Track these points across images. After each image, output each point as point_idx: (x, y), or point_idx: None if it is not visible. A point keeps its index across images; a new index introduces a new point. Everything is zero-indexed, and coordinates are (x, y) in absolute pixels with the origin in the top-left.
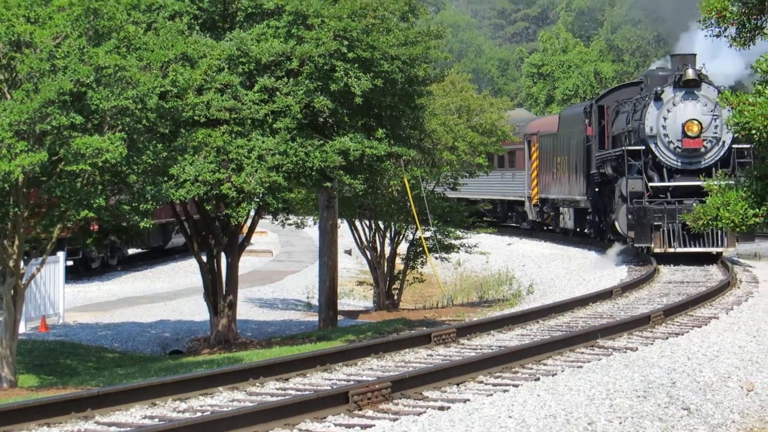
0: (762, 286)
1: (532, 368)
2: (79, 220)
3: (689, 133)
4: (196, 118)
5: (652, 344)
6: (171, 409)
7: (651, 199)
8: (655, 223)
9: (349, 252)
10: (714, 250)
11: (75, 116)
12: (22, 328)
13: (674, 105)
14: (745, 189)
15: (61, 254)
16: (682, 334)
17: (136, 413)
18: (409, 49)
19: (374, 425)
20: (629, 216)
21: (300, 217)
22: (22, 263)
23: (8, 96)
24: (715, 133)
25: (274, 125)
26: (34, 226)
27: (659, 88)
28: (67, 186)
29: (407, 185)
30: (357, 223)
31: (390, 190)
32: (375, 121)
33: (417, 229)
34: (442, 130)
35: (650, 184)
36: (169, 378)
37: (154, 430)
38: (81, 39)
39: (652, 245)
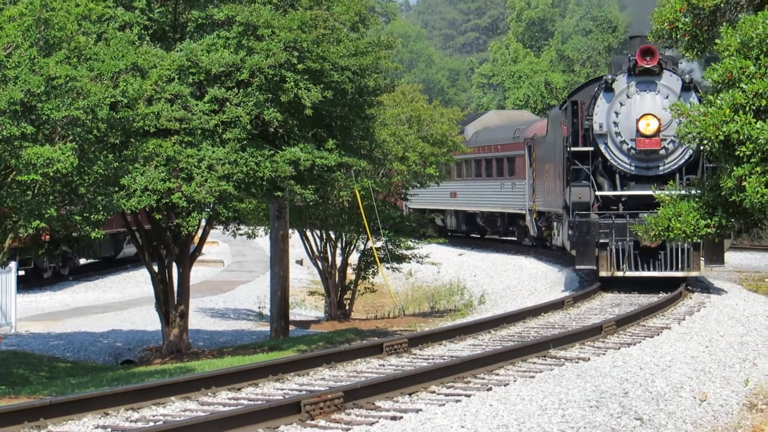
0: (714, 296)
1: (484, 378)
2: (31, 231)
3: (644, 131)
4: (146, 128)
5: (604, 354)
6: (124, 418)
7: (601, 211)
8: (600, 241)
9: (300, 262)
10: (673, 274)
11: (26, 126)
12: None
13: (628, 97)
14: (696, 200)
15: (12, 264)
16: (635, 344)
17: (88, 423)
18: (360, 60)
19: None
20: (570, 231)
21: (251, 228)
22: None
23: None
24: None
25: (224, 135)
26: None
27: (610, 77)
28: (18, 196)
29: (358, 196)
30: (308, 233)
31: (341, 200)
32: (325, 131)
33: (368, 239)
34: (392, 140)
35: (598, 192)
36: (121, 388)
37: None
38: (32, 49)
39: (597, 267)
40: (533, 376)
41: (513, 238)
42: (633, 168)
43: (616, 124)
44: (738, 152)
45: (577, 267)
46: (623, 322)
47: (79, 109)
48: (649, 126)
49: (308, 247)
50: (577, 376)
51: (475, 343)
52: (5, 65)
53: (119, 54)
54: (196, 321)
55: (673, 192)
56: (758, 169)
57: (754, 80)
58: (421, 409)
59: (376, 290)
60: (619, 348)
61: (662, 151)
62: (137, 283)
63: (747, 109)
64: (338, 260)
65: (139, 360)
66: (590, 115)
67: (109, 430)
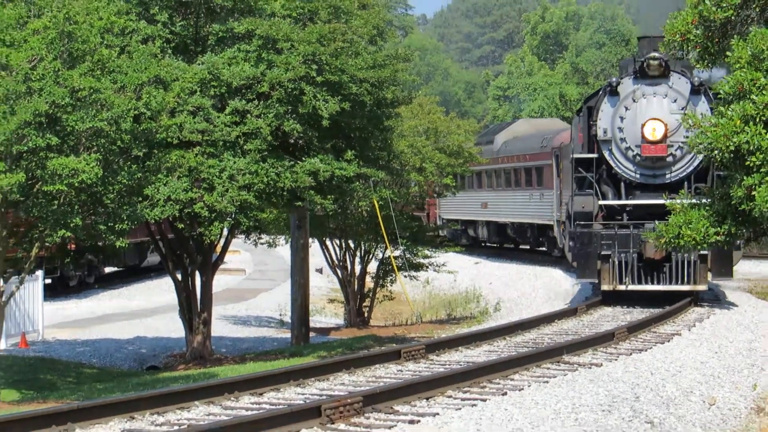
0: (723, 303)
1: (499, 383)
2: (57, 240)
3: (650, 137)
4: (169, 139)
5: (616, 360)
6: (149, 422)
7: (606, 221)
8: (603, 253)
9: (320, 270)
10: (679, 288)
11: (51, 137)
12: (2, 345)
13: (634, 101)
14: (707, 208)
15: (39, 273)
16: (646, 350)
17: (115, 426)
18: (378, 72)
19: None
20: (571, 243)
21: (272, 237)
22: (1, 281)
23: None
24: (687, 137)
25: (245, 146)
26: (13, 246)
27: (615, 80)
28: (44, 206)
29: (376, 206)
30: (328, 242)
31: (360, 210)
32: (344, 142)
33: (386, 248)
34: (410, 151)
35: (601, 202)
36: (146, 393)
37: None
38: (56, 62)
39: (599, 280)
40: (547, 381)
41: (544, 249)
42: (638, 176)
43: (621, 129)
44: (748, 162)
45: (578, 280)
46: (635, 328)
47: (103, 121)
48: (654, 131)
49: (328, 256)
50: (590, 381)
51: (490, 350)
52: (30, 77)
53: (142, 66)
54: (219, 328)
55: (684, 200)
56: (767, 179)
57: (764, 92)
58: (438, 413)
59: (394, 298)
60: (631, 354)
61: (669, 158)
62: (161, 291)
63: (757, 120)
64: (357, 269)
65: (164, 366)
66: (594, 120)
67: None
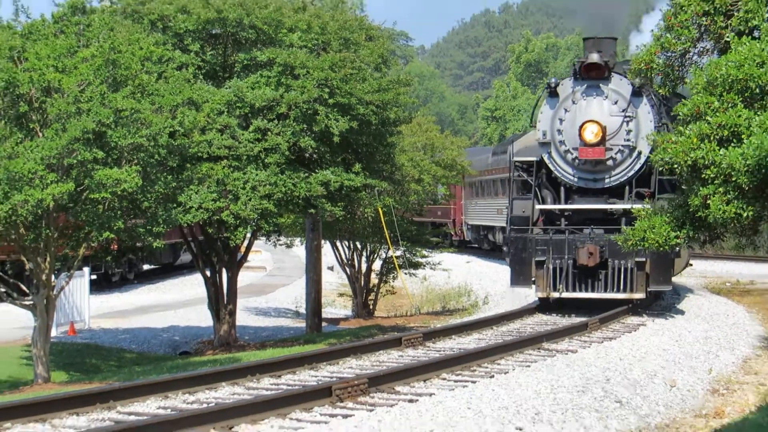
0: (683, 298)
1: (487, 367)
2: (101, 241)
3: (587, 140)
4: (200, 154)
5: (589, 347)
6: (181, 401)
7: (547, 226)
8: (537, 259)
9: (331, 268)
10: (614, 296)
11: (97, 152)
12: (53, 332)
13: (573, 103)
14: (668, 215)
15: (86, 269)
16: (615, 339)
17: (151, 404)
18: (382, 95)
19: (353, 415)
20: (505, 248)
21: (289, 239)
22: (53, 277)
23: (40, 134)
24: (628, 140)
25: (266, 160)
26: (63, 246)
27: (554, 81)
28: (90, 211)
29: (380, 212)
30: (338, 243)
31: (366, 215)
32: (352, 156)
33: (389, 249)
34: (410, 164)
35: (539, 206)
36: (179, 375)
37: (167, 419)
38: (102, 86)
39: (533, 287)
40: (529, 366)
41: None
42: (578, 180)
43: (560, 131)
44: (704, 175)
45: (512, 287)
46: (606, 320)
47: (142, 137)
48: (592, 133)
49: (338, 256)
50: (567, 365)
51: (480, 337)
52: (79, 99)
53: (177, 90)
54: (243, 318)
55: (624, 206)
56: (720, 189)
57: (717, 114)
58: (434, 393)
59: (395, 292)
60: (602, 342)
61: (609, 162)
62: (192, 285)
63: (712, 138)
64: (363, 267)
65: (194, 351)
66: (534, 122)
67: (169, 410)
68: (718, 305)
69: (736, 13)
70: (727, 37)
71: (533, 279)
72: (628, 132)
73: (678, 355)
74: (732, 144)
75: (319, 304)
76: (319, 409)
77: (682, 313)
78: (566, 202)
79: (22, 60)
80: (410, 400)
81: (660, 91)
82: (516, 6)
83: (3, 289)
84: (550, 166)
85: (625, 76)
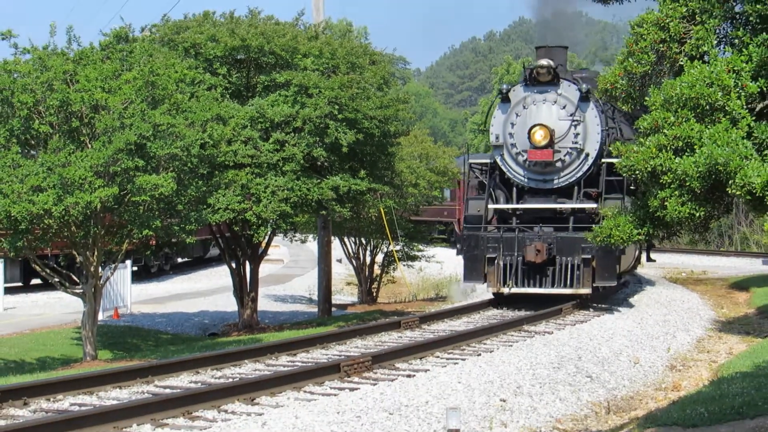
0: (644, 286)
1: (475, 347)
2: (141, 237)
3: (536, 142)
4: (226, 162)
5: (563, 329)
6: (210, 376)
7: (500, 225)
8: (488, 256)
9: (339, 260)
10: (561, 291)
11: (138, 161)
12: (100, 316)
13: (524, 108)
14: (630, 215)
15: (128, 262)
16: (586, 322)
17: (184, 379)
18: (384, 111)
19: (359, 388)
20: (458, 246)
21: (303, 235)
22: (100, 268)
23: (89, 145)
24: (576, 143)
25: (284, 168)
26: (109, 241)
27: (505, 87)
28: (132, 212)
29: (382, 212)
30: (345, 239)
31: (370, 215)
32: (358, 164)
33: (390, 244)
34: (407, 171)
35: (491, 206)
36: (208, 353)
37: (199, 391)
38: (142, 104)
39: (485, 283)
40: (511, 345)
41: None
42: (528, 181)
43: (511, 135)
44: (662, 180)
45: (465, 282)
46: (578, 305)
47: (177, 148)
48: (540, 136)
49: (345, 250)
50: (544, 345)
51: (468, 321)
52: (123, 116)
53: (207, 107)
54: (263, 304)
55: (571, 206)
56: (676, 193)
57: (673, 127)
58: (429, 369)
59: (395, 281)
60: (575, 324)
61: (558, 164)
62: (220, 276)
63: (668, 148)
64: (368, 259)
65: (221, 333)
66: (487, 126)
67: (200, 383)
68: (675, 293)
69: (688, 41)
70: (681, 61)
71: (485, 274)
72: (576, 135)
73: (640, 336)
74: (686, 153)
75: (330, 291)
76: (329, 383)
77: (643, 299)
78: (518, 202)
79: (74, 82)
80: (408, 375)
81: (623, 107)
82: (499, 34)
83: (57, 279)
84: (502, 167)
85: (574, 83)
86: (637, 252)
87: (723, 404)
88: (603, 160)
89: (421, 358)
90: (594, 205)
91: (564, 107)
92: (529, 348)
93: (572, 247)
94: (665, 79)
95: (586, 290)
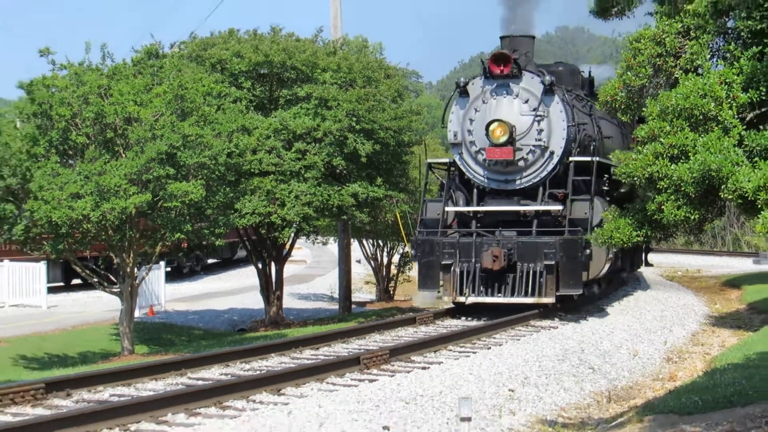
0: (642, 284)
1: (485, 341)
2: (174, 240)
3: (494, 140)
4: (251, 170)
5: (567, 324)
6: (239, 368)
7: (459, 230)
8: (444, 262)
9: (359, 261)
10: (522, 300)
11: (169, 169)
12: (136, 314)
13: (484, 102)
14: (630, 218)
15: (162, 263)
16: (588, 318)
17: (215, 371)
18: (398, 122)
19: (378, 379)
20: (412, 252)
21: (325, 238)
22: (135, 269)
23: (123, 155)
24: (539, 140)
25: (306, 175)
26: (143, 244)
27: (463, 80)
28: (164, 217)
29: (398, 216)
30: (364, 241)
31: (386, 219)
32: (375, 172)
33: (405, 245)
34: (421, 178)
35: (449, 208)
36: (237, 347)
37: (229, 383)
38: (172, 116)
39: (440, 292)
40: (519, 339)
41: None
42: (488, 181)
43: (470, 132)
44: (659, 186)
45: (420, 290)
46: (581, 302)
47: (205, 157)
48: (499, 133)
49: (364, 251)
50: (549, 339)
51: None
52: (154, 127)
53: (232, 119)
54: (288, 302)
55: (537, 208)
56: (672, 197)
57: (669, 136)
58: (442, 362)
59: (411, 281)
60: (578, 320)
61: (521, 162)
62: (247, 276)
63: (664, 155)
64: (385, 260)
65: (249, 328)
66: (445, 123)
67: (229, 375)
68: (671, 290)
69: (683, 55)
70: (676, 74)
71: (441, 283)
72: (540, 131)
73: (639, 330)
74: (681, 160)
75: (350, 290)
76: (350, 374)
77: (642, 297)
78: (479, 204)
79: (108, 96)
80: (423, 368)
81: (623, 118)
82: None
83: (96, 279)
84: (461, 167)
85: (538, 74)
86: (608, 256)
87: (716, 393)
88: (570, 159)
89: (435, 352)
90: (560, 208)
91: (526, 101)
92: (535, 342)
93: (534, 253)
94: (661, 91)
95: (550, 299)
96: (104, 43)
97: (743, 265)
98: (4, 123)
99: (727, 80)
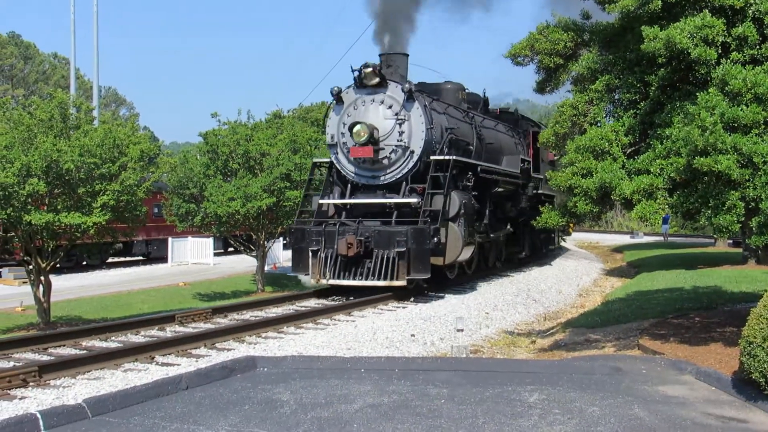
0: (566, 250)
1: (471, 284)
2: (288, 223)
3: (357, 139)
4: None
5: (520, 273)
6: (330, 300)
7: (325, 220)
8: (312, 249)
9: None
10: (376, 283)
11: (286, 183)
12: (265, 268)
13: (355, 108)
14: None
15: (280, 239)
16: (533, 270)
17: (312, 302)
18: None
19: (407, 307)
20: (287, 238)
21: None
22: (265, 242)
23: (259, 175)
24: (401, 141)
25: None
26: (270, 227)
27: (336, 89)
28: (283, 211)
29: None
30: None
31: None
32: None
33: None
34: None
35: (322, 201)
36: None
37: (320, 309)
38: (288, 152)
39: (309, 274)
40: (491, 283)
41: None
42: (358, 177)
43: (343, 134)
44: (575, 191)
45: (293, 273)
46: (535, 260)
47: (305, 176)
48: (360, 134)
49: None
50: (510, 283)
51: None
52: (278, 158)
53: (324, 155)
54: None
55: (399, 200)
56: (582, 198)
57: (580, 162)
58: (446, 296)
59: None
60: (526, 271)
61: (385, 161)
62: None
63: (578, 174)
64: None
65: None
66: (324, 127)
67: (320, 305)
68: (581, 254)
69: (589, 114)
70: (585, 126)
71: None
72: (401, 133)
73: (562, 277)
74: (588, 177)
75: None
76: (391, 304)
77: (563, 258)
78: (350, 197)
79: (251, 140)
80: (435, 300)
81: (552, 151)
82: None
83: (242, 248)
84: (337, 165)
85: (401, 84)
86: (465, 242)
87: (609, 315)
88: (432, 158)
89: (440, 291)
90: (416, 200)
91: (390, 107)
92: (501, 285)
93: (389, 241)
94: (576, 135)
95: (401, 282)
96: (249, 109)
97: (624, 239)
98: (191, 156)
99: (615, 130)
